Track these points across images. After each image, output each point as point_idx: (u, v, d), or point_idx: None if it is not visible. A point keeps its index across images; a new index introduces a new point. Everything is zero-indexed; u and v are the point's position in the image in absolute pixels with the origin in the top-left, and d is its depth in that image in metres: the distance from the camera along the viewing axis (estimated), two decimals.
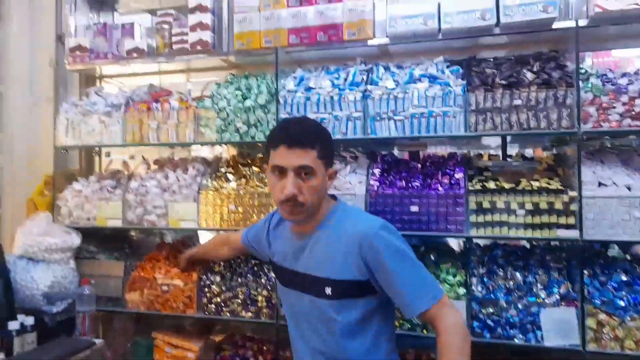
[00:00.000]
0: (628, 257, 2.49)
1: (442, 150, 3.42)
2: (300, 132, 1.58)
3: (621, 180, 2.28)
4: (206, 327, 3.12)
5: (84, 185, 3.14)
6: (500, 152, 3.00)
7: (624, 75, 2.39)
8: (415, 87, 2.49)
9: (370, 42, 2.64)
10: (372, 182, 2.57)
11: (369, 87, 2.56)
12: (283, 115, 2.67)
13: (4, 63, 3.53)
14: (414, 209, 2.45)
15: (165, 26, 2.92)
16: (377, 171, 2.68)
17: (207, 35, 2.82)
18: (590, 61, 3.03)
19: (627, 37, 2.66)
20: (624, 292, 2.26)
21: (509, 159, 2.79)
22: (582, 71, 2.39)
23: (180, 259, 2.60)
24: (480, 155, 2.84)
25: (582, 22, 2.33)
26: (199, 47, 2.83)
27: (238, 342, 2.96)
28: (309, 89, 2.66)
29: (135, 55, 3.02)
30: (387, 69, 2.73)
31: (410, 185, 2.55)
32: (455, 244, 2.87)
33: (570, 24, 2.33)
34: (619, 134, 2.43)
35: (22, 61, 3.51)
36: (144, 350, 3.01)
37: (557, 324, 2.25)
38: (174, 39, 2.88)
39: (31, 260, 2.81)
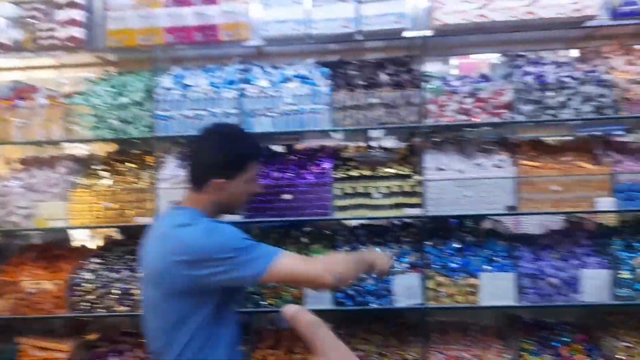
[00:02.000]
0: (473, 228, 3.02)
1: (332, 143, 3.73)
2: None
3: (456, 166, 2.77)
4: (79, 327, 3.07)
5: None
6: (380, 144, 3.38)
7: (459, 78, 2.87)
8: (287, 87, 2.75)
9: (245, 44, 2.84)
10: None
11: (245, 85, 2.76)
12: (159, 112, 2.76)
13: None
14: (287, 197, 2.72)
15: (33, 20, 2.83)
16: None
17: (79, 32, 2.79)
18: (439, 66, 3.56)
19: (470, 45, 3.19)
20: (458, 257, 2.77)
21: (371, 151, 3.19)
22: (434, 74, 2.85)
23: None
24: (347, 147, 3.20)
25: (427, 33, 2.75)
26: (70, 44, 2.80)
27: (113, 338, 2.98)
28: (186, 86, 2.78)
29: None
30: (262, 68, 2.95)
31: (284, 175, 2.81)
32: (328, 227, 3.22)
33: (416, 33, 2.74)
34: (455, 127, 2.91)
35: None
36: (6, 358, 2.87)
37: (405, 288, 2.69)
38: (43, 34, 2.80)
39: None
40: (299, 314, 0.58)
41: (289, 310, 0.59)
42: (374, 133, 3.35)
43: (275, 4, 2.74)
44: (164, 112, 2.76)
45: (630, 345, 2.83)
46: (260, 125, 2.73)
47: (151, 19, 2.80)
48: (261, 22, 2.75)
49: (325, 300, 2.75)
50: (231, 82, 2.80)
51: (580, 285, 2.68)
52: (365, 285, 2.71)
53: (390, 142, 3.60)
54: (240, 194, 1.81)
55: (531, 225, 4.72)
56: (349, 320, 3.10)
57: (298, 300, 2.78)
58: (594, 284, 2.67)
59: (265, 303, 2.80)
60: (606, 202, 2.60)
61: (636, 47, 2.78)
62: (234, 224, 2.93)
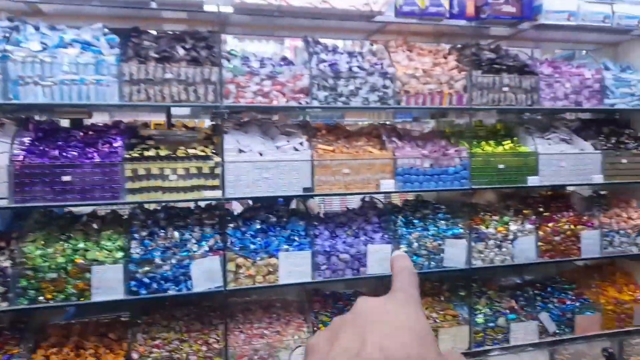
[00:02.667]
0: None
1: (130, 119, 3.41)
2: None
3: (257, 148, 2.77)
4: None
5: None
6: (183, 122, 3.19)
7: (261, 60, 2.85)
8: (65, 52, 2.39)
9: None
10: (17, 151, 2.38)
11: (9, 47, 2.33)
12: None
13: None
14: (67, 178, 2.41)
15: None
16: (27, 140, 2.49)
17: None
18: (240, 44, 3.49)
19: (273, 27, 3.18)
20: (259, 238, 2.79)
21: (173, 129, 3.01)
22: (235, 52, 2.76)
23: None
24: (146, 125, 2.96)
25: (228, 9, 2.65)
26: None
27: None
28: None
29: None
30: (37, 29, 2.53)
31: (65, 154, 2.48)
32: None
33: (213, 8, 2.62)
34: (253, 109, 2.91)
35: None
36: None
37: (205, 272, 2.62)
38: None
39: None
40: (398, 259, 0.58)
41: (395, 253, 0.60)
42: (177, 111, 3.18)
43: None
44: None
45: None
46: (31, 95, 2.33)
47: None
48: None
49: (117, 291, 2.53)
50: None
51: (367, 260, 2.94)
52: (163, 272, 2.56)
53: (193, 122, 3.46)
54: None
55: (336, 205, 5.10)
56: (150, 307, 2.93)
57: (83, 292, 2.50)
58: (379, 257, 2.96)
59: (43, 298, 2.46)
60: (388, 184, 2.87)
61: (417, 45, 3.10)
62: (5, 209, 2.55)
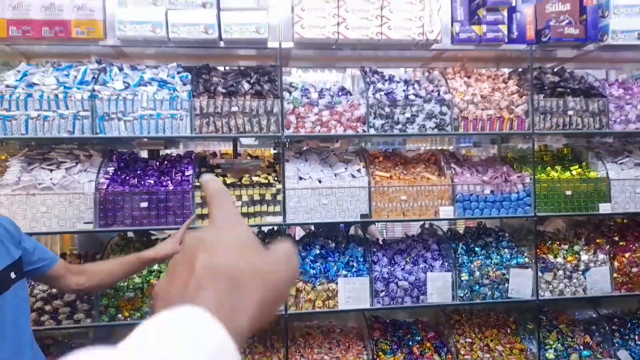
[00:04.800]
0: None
1: (201, 149, 3.67)
2: None
3: (316, 175, 2.87)
4: None
5: None
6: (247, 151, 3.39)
7: (320, 91, 2.98)
8: (144, 90, 2.65)
9: (101, 43, 2.70)
10: (102, 180, 2.65)
11: (97, 87, 2.62)
12: (0, 111, 2.53)
13: None
14: (144, 205, 2.63)
15: None
16: (110, 169, 2.76)
17: None
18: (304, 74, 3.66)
19: (330, 59, 3.32)
20: (318, 263, 2.86)
21: (239, 158, 3.19)
22: (296, 85, 2.92)
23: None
24: (214, 154, 3.17)
25: (288, 45, 2.82)
26: None
27: None
28: (31, 85, 2.58)
29: None
30: (120, 69, 2.83)
31: (142, 182, 2.71)
32: None
33: (275, 44, 2.79)
34: (313, 138, 3.01)
35: None
36: None
37: None
38: None
39: None
40: (210, 182, 0.61)
41: (205, 176, 0.63)
42: (243, 141, 3.37)
43: (131, 3, 2.64)
44: (5, 112, 2.53)
45: (472, 341, 3.13)
46: (115, 129, 2.60)
47: None
48: (117, 22, 2.63)
49: None
50: (83, 82, 2.64)
51: (427, 287, 2.90)
52: None
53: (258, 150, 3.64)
54: None
55: (398, 231, 5.06)
56: None
57: None
58: (438, 285, 2.91)
59: (122, 316, 2.67)
60: (447, 211, 2.85)
61: (474, 70, 3.09)
62: (87, 232, 2.81)
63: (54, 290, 2.60)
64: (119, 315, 2.66)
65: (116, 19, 2.62)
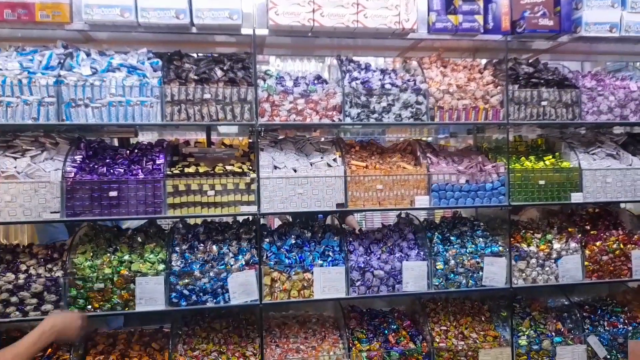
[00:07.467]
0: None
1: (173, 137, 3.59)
2: None
3: (291, 164, 2.83)
4: None
5: None
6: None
7: (295, 79, 2.93)
8: (113, 76, 2.57)
9: (68, 27, 2.59)
10: (69, 168, 2.56)
11: (63, 72, 2.52)
12: None
13: None
14: (113, 194, 2.55)
15: None
16: (78, 158, 2.67)
17: None
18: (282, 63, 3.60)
19: (306, 47, 3.27)
20: (293, 253, 2.84)
21: (213, 147, 3.13)
22: (271, 72, 2.86)
23: None
24: (187, 143, 3.10)
25: (262, 32, 2.76)
26: None
27: None
28: None
29: None
30: (88, 55, 2.73)
31: (112, 171, 2.63)
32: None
33: (249, 31, 2.73)
34: (287, 127, 2.97)
35: None
36: None
37: (241, 285, 2.68)
38: None
39: None
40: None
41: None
42: (220, 129, 3.31)
43: None
44: None
45: (446, 328, 3.16)
46: (82, 116, 2.51)
47: None
48: (84, 5, 2.53)
49: (159, 301, 2.64)
50: (48, 68, 2.54)
51: (402, 276, 2.91)
52: (202, 284, 2.65)
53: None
54: None
55: (377, 222, 5.07)
56: (189, 319, 3.03)
57: (128, 302, 2.63)
58: (414, 274, 2.92)
59: (91, 307, 2.61)
60: (423, 200, 2.85)
61: (450, 60, 3.09)
62: (57, 222, 2.73)
63: (20, 281, 2.52)
64: (89, 307, 2.60)
65: (83, 2, 2.52)
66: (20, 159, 2.55)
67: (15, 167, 2.49)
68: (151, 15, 2.59)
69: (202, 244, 2.83)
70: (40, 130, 2.75)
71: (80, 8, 2.56)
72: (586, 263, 3.11)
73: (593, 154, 3.19)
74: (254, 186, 2.72)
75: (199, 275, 2.66)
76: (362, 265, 2.87)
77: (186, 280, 2.65)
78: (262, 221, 2.84)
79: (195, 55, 2.92)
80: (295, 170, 2.79)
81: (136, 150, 2.87)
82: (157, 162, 2.73)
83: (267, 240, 2.86)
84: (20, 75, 2.46)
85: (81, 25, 2.59)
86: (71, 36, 2.78)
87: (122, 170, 2.66)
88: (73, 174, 2.55)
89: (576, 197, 3.03)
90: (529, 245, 3.11)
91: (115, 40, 2.91)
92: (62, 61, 2.60)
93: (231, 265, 2.72)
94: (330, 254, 2.91)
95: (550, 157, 3.17)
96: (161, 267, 2.65)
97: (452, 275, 2.98)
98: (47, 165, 2.54)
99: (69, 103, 2.50)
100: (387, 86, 2.77)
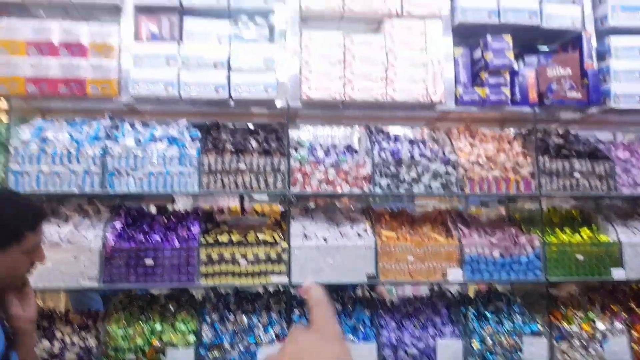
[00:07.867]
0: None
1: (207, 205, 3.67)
2: None
3: (321, 233, 2.84)
4: None
5: None
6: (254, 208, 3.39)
7: (327, 149, 3.01)
8: (155, 146, 2.70)
9: (115, 100, 2.78)
10: (109, 236, 2.64)
11: (108, 143, 2.67)
12: (13, 166, 2.58)
13: None
14: (149, 262, 2.60)
15: None
16: (118, 225, 2.75)
17: None
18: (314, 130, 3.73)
19: (337, 118, 3.39)
20: None
21: (246, 214, 3.18)
22: (303, 142, 2.96)
23: None
24: (221, 210, 3.17)
25: (296, 103, 2.88)
26: None
27: None
28: (45, 140, 2.64)
29: None
30: (132, 126, 2.89)
31: (149, 239, 2.69)
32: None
33: (283, 103, 2.86)
34: (319, 196, 3.01)
35: None
36: None
37: None
38: None
39: None
40: (312, 290, 0.77)
41: (306, 283, 0.78)
42: (257, 196, 3.37)
43: (146, 64, 2.74)
44: (17, 166, 2.58)
45: None
46: (124, 184, 2.63)
47: (11, 67, 2.67)
48: (131, 80, 2.72)
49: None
50: (95, 139, 2.70)
51: (436, 356, 2.77)
52: (231, 357, 2.60)
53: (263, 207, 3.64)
54: (17, 268, 1.55)
55: (408, 289, 4.92)
56: None
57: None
58: (449, 353, 2.78)
59: None
60: (455, 273, 2.78)
61: (478, 130, 3.13)
62: (92, 290, 2.77)
63: (55, 349, 2.53)
64: None
65: (130, 77, 2.72)
66: (63, 225, 2.65)
67: (58, 234, 2.58)
68: (192, 89, 2.75)
69: (232, 314, 2.79)
70: (85, 198, 2.87)
71: (127, 82, 2.75)
72: (634, 345, 2.91)
73: (633, 227, 3.09)
74: (285, 256, 2.72)
75: (228, 347, 2.62)
76: (394, 342, 2.77)
77: (216, 353, 2.60)
78: (292, 291, 2.81)
79: (231, 125, 3.06)
80: (325, 240, 2.79)
81: (172, 218, 2.94)
82: (192, 229, 2.78)
83: (297, 312, 2.81)
84: (69, 145, 2.62)
85: (127, 98, 2.78)
86: (117, 107, 2.97)
87: (159, 239, 2.71)
88: (112, 241, 2.62)
89: (618, 274, 2.90)
90: (570, 324, 2.95)
91: (157, 112, 3.09)
92: (108, 132, 2.76)
93: (261, 339, 2.66)
94: (361, 327, 2.83)
95: (587, 229, 3.08)
96: (191, 338, 2.62)
97: (489, 354, 2.83)
98: (88, 233, 2.62)
99: (112, 172, 2.62)
100: (417, 157, 2.81)
